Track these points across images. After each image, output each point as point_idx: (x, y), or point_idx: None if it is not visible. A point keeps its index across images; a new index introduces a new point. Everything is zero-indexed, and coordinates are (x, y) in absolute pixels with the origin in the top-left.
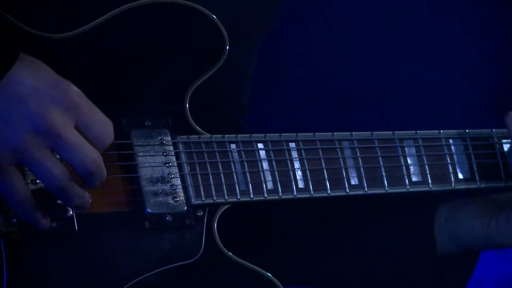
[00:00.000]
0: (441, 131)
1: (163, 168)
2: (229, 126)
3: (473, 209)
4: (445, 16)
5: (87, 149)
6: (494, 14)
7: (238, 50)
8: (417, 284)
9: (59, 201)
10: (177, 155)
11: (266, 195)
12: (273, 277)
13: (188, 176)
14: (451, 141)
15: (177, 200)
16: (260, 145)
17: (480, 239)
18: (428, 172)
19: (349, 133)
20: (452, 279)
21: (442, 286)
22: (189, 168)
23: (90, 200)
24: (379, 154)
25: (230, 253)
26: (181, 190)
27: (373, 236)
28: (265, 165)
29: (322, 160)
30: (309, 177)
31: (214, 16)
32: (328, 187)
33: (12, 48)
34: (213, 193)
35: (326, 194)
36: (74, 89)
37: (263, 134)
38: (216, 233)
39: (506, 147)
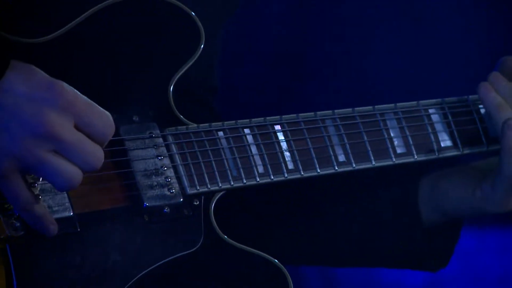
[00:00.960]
0: (420, 101)
1: (155, 160)
2: (207, 111)
3: (457, 178)
4: (453, 14)
5: (88, 147)
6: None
7: (208, 38)
8: (405, 255)
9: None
10: (167, 146)
11: (258, 179)
12: (274, 259)
13: (180, 166)
14: (430, 110)
15: (173, 192)
16: (246, 130)
17: (466, 208)
18: (411, 143)
19: (331, 111)
20: (438, 249)
21: (429, 257)
22: (180, 158)
23: None
24: (362, 129)
25: (230, 239)
26: (176, 181)
27: (359, 211)
28: (254, 149)
29: (308, 140)
30: (297, 158)
31: (192, 12)
32: (317, 166)
33: (1, 58)
34: (207, 181)
35: (316, 173)
36: (68, 88)
37: (248, 120)
38: (214, 220)
39: (483, 111)
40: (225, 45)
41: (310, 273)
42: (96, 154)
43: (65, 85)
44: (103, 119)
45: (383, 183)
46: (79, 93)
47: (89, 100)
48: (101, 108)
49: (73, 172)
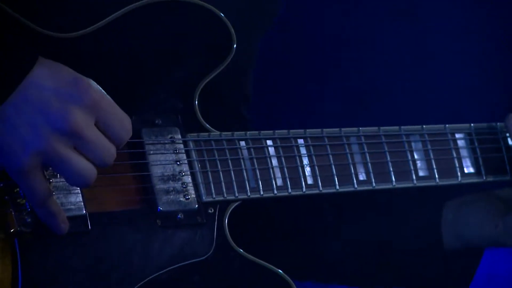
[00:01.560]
0: (447, 125)
1: (174, 166)
2: (236, 118)
3: (480, 209)
4: (455, 12)
5: (106, 146)
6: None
7: (243, 46)
8: (424, 279)
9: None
10: (187, 153)
11: (276, 191)
12: (284, 274)
13: (198, 173)
14: (456, 135)
15: (188, 198)
16: (269, 142)
17: (487, 239)
18: (434, 166)
19: (356, 128)
20: (458, 274)
21: (448, 281)
22: (199, 165)
23: None
24: (386, 149)
25: (241, 250)
26: (192, 188)
27: (381, 231)
28: (274, 161)
29: (330, 156)
30: (317, 173)
31: (222, 14)
32: (337, 183)
33: (30, 52)
34: (224, 190)
35: (334, 190)
36: (95, 86)
37: (271, 131)
38: (227, 230)
39: (511, 141)
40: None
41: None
42: (110, 151)
43: (92, 82)
44: (123, 123)
45: (407, 205)
46: (104, 92)
47: (113, 101)
48: (123, 112)
49: (90, 169)
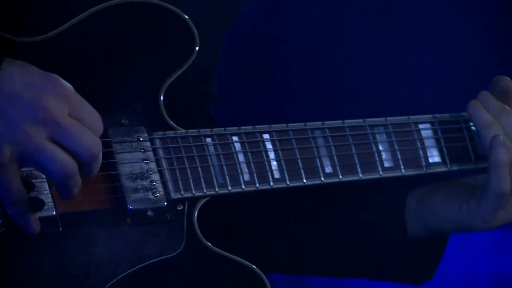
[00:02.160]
0: (410, 116)
1: (141, 164)
2: (201, 117)
3: (444, 194)
4: (445, 11)
5: (89, 134)
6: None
7: (206, 45)
8: (389, 267)
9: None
10: (154, 151)
11: (243, 186)
12: (255, 267)
13: (166, 171)
14: (420, 126)
15: (157, 196)
16: (235, 138)
17: (452, 224)
18: (399, 157)
19: (320, 122)
20: (424, 262)
21: (414, 269)
22: (167, 163)
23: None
24: (351, 141)
25: (212, 245)
26: (161, 185)
27: (345, 222)
28: (241, 157)
29: (296, 150)
30: (284, 167)
31: (186, 16)
32: (304, 176)
33: None
34: (192, 186)
35: (302, 183)
36: (63, 81)
37: (237, 127)
38: (197, 226)
39: (474, 129)
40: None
41: (283, 281)
42: (94, 141)
43: (60, 78)
44: (94, 116)
45: (370, 195)
46: (72, 88)
47: (81, 97)
48: (92, 107)
49: (68, 160)
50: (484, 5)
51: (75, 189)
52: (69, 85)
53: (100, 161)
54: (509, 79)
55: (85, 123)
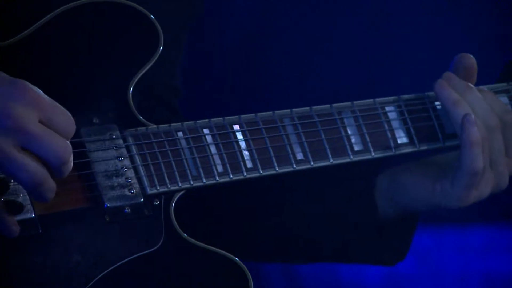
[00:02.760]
0: (376, 99)
1: (116, 161)
2: (168, 111)
3: (415, 174)
4: (439, 13)
5: (57, 140)
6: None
7: (170, 40)
8: (362, 250)
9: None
10: (127, 148)
11: (217, 178)
12: (235, 257)
13: (140, 167)
14: (386, 108)
15: (133, 192)
16: (205, 130)
17: (424, 202)
18: (368, 140)
19: (288, 110)
20: (396, 242)
21: (386, 250)
22: (140, 159)
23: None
24: (319, 127)
25: (190, 238)
26: (136, 182)
27: (316, 208)
28: (213, 149)
29: (267, 139)
30: (256, 157)
31: (152, 16)
32: (276, 164)
33: None
34: (167, 181)
35: (274, 172)
36: (31, 86)
37: (207, 120)
38: (174, 219)
39: (439, 108)
40: (189, 46)
41: (273, 271)
42: (65, 146)
43: (28, 83)
44: (66, 117)
45: (340, 178)
46: (41, 91)
47: (51, 99)
48: (63, 107)
49: (37, 168)
50: (483, 5)
51: (49, 193)
52: (38, 89)
53: (71, 164)
54: (471, 56)
55: (56, 127)
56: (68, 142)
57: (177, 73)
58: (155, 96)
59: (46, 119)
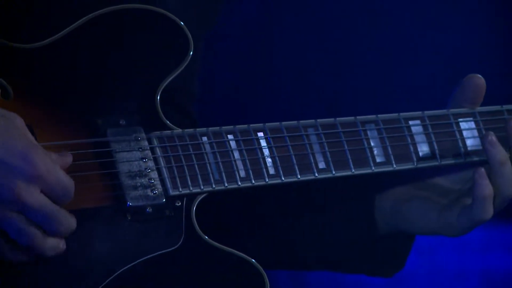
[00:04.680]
0: (400, 113)
1: (140, 162)
2: (187, 116)
3: (419, 206)
4: (440, 13)
5: (56, 211)
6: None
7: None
8: (360, 262)
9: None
10: (152, 150)
11: (239, 183)
12: (253, 260)
13: (164, 169)
14: (410, 122)
15: (156, 192)
16: (230, 136)
17: (426, 231)
18: (390, 152)
19: (313, 120)
20: (393, 254)
21: (384, 262)
22: (164, 161)
23: (64, 246)
24: (343, 138)
25: (210, 239)
26: (159, 183)
27: (320, 218)
28: (236, 154)
29: (290, 147)
30: (278, 164)
31: (181, 22)
32: (298, 172)
33: None
34: (189, 183)
35: (296, 179)
36: (43, 160)
37: (232, 126)
38: (195, 221)
39: (462, 125)
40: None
41: (280, 276)
42: (62, 216)
43: (40, 153)
44: (66, 189)
45: (341, 194)
46: (49, 160)
47: (57, 169)
48: (66, 176)
49: (34, 232)
50: (482, 5)
51: (50, 250)
52: (47, 161)
53: (68, 230)
54: (481, 76)
55: (54, 197)
56: (65, 212)
57: (196, 79)
58: (178, 101)
59: (47, 190)
